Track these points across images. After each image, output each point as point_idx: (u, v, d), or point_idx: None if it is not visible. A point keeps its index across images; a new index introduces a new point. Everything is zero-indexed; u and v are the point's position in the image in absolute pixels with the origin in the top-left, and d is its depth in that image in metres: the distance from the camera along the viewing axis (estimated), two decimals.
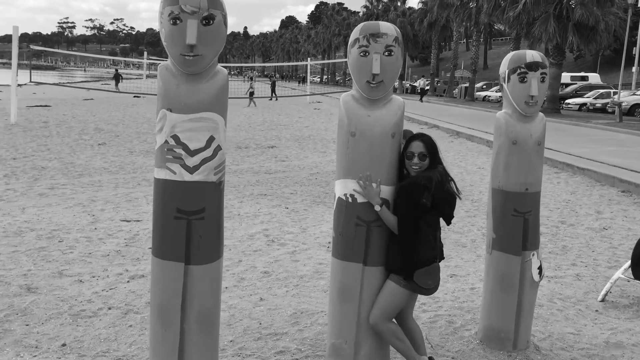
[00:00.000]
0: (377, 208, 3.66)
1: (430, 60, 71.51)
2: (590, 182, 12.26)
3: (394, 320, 3.88)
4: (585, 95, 38.67)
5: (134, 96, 36.98)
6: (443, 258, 3.91)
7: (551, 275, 6.40)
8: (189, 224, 3.18)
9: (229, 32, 3.34)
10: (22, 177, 10.81)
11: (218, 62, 3.26)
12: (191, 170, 3.13)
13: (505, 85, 4.35)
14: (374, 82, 3.64)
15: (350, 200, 3.76)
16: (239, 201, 9.50)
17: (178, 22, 3.00)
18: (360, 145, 3.71)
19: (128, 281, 5.75)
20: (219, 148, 3.19)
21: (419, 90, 53.59)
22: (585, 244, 7.72)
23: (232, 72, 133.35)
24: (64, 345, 4.38)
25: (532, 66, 4.21)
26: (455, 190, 3.76)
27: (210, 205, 3.22)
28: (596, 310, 5.45)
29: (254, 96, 35.23)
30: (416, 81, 68.04)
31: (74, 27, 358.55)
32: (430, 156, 3.73)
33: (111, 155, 13.85)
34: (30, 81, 29.93)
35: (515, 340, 4.51)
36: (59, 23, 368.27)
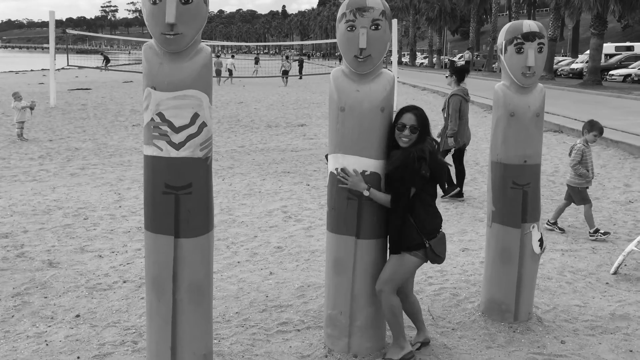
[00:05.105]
0: (366, 193, 3.74)
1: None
2: (623, 155, 11.94)
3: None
4: (631, 66, 37.26)
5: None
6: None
7: (566, 248, 6.33)
8: (177, 198, 3.29)
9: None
10: (56, 158, 11.20)
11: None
12: (177, 146, 3.24)
13: (502, 57, 4.30)
14: (361, 57, 3.66)
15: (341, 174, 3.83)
16: (262, 179, 9.64)
17: (158, 1, 3.04)
18: (350, 120, 3.75)
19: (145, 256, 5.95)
20: (204, 125, 3.28)
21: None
22: (607, 218, 7.59)
23: (271, 52, 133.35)
24: (77, 316, 4.61)
25: (529, 36, 4.16)
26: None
27: (197, 181, 3.33)
28: (607, 283, 5.38)
29: (288, 74, 35.26)
30: (455, 56, 66.79)
31: (116, 10, 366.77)
32: (420, 129, 3.76)
33: (143, 136, 14.14)
34: (68, 65, 30.69)
35: (516, 312, 4.51)
36: (101, 7, 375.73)
